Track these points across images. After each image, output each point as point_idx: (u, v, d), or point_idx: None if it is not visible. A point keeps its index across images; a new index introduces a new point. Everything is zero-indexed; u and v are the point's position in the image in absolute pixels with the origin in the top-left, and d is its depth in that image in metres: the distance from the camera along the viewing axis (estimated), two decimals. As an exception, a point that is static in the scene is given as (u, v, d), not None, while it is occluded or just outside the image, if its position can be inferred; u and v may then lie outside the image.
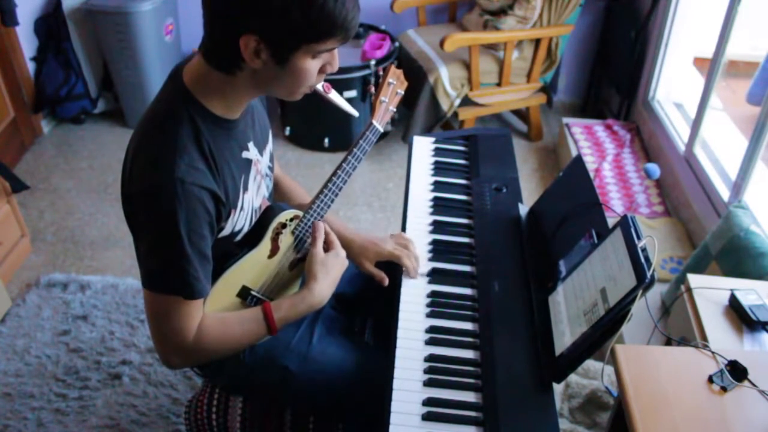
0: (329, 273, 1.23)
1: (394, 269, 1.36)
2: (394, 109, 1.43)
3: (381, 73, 1.47)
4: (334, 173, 1.31)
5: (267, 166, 1.31)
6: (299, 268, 1.35)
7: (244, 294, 1.24)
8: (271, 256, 1.28)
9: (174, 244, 1.05)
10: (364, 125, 1.37)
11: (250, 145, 1.21)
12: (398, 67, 3.19)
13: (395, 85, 1.42)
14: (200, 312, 1.13)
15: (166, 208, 1.03)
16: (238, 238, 1.23)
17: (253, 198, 1.24)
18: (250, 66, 1.04)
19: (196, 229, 1.06)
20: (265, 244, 1.26)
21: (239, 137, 1.18)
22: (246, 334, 1.18)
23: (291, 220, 1.30)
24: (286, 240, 1.29)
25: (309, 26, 1.00)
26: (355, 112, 1.37)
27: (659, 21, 2.91)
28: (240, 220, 1.20)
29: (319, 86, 1.20)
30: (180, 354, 1.14)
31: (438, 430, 1.05)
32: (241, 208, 1.19)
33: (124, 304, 2.30)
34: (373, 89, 1.43)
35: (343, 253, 1.28)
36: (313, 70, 1.08)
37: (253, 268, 1.25)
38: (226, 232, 1.18)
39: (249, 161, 1.21)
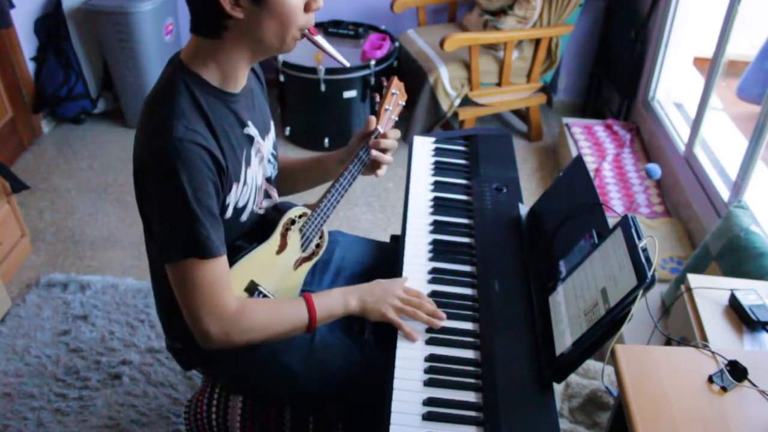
0: (384, 299, 1.24)
1: (394, 270, 1.36)
2: (396, 119, 1.46)
3: (384, 82, 1.46)
4: (341, 174, 1.31)
5: (270, 152, 1.32)
6: (304, 268, 1.36)
7: (252, 289, 1.24)
8: (279, 252, 1.28)
9: (181, 204, 1.05)
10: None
11: (250, 123, 1.21)
12: (398, 67, 3.21)
13: (398, 95, 1.45)
14: (227, 275, 1.12)
15: (169, 167, 1.04)
16: (244, 217, 1.23)
17: (255, 174, 1.24)
18: (233, 16, 1.04)
19: (200, 187, 1.06)
20: (275, 240, 1.27)
21: (239, 112, 1.18)
22: (289, 320, 1.19)
23: (300, 217, 1.31)
24: (294, 237, 1.30)
25: None
26: (345, 62, 1.29)
27: (659, 21, 2.91)
28: (244, 195, 1.21)
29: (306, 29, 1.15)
30: (218, 323, 1.11)
31: (438, 429, 1.04)
32: (245, 182, 1.20)
33: (124, 304, 2.30)
34: (378, 97, 1.43)
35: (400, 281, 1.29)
36: (297, 5, 1.07)
37: (262, 262, 1.25)
38: (230, 207, 1.18)
39: (251, 138, 1.21)
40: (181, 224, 1.07)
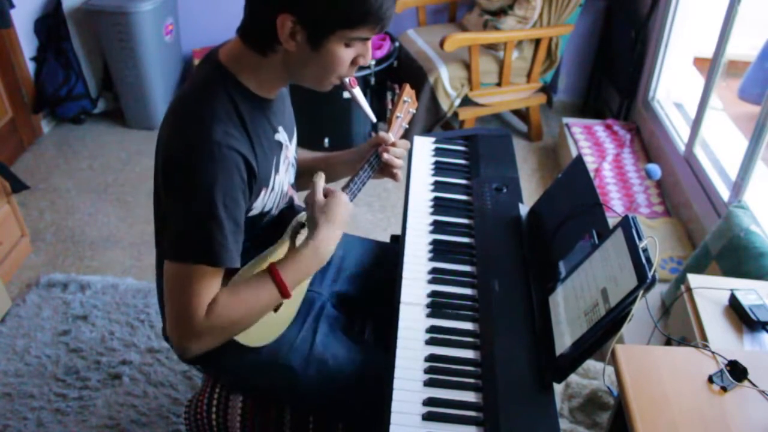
0: (331, 219, 1.18)
1: (394, 270, 1.36)
2: (407, 126, 1.48)
3: (396, 89, 1.51)
4: (351, 180, 1.32)
5: (293, 156, 1.33)
6: None
7: None
8: None
9: (207, 208, 1.04)
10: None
11: (281, 128, 1.22)
12: (398, 67, 3.21)
13: (409, 103, 1.47)
14: (216, 287, 1.08)
15: (202, 167, 1.03)
16: (266, 220, 1.23)
17: (282, 180, 1.25)
18: (285, 47, 1.05)
19: (230, 193, 1.06)
20: (285, 242, 1.27)
21: (272, 118, 1.19)
22: (259, 301, 1.12)
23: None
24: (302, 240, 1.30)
25: (345, 11, 1.02)
26: (373, 117, 1.38)
27: (659, 21, 2.91)
28: (270, 201, 1.21)
29: (346, 78, 1.20)
30: (192, 336, 1.07)
31: (438, 429, 1.04)
32: (272, 188, 1.20)
33: (124, 304, 2.30)
34: (389, 105, 1.47)
35: (344, 196, 1.23)
36: (346, 59, 1.09)
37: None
38: (255, 211, 1.18)
39: (280, 144, 1.22)
40: (202, 227, 1.05)
